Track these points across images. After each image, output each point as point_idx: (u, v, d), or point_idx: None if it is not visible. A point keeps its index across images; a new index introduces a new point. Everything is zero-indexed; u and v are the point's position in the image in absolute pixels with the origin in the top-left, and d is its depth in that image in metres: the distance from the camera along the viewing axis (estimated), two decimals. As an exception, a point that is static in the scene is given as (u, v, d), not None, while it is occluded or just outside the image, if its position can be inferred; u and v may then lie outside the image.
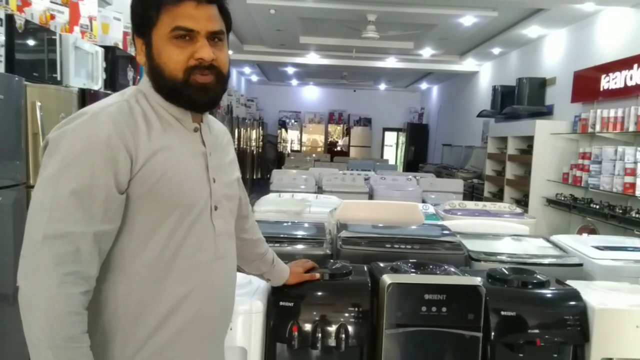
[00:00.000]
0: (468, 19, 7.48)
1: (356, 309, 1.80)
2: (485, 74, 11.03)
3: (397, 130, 17.76)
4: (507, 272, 1.97)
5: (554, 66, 7.66)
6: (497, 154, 8.34)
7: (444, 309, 1.75)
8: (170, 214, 1.21)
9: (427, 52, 10.14)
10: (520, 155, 7.45)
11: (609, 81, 5.89)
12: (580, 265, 2.51)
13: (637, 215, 5.01)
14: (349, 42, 9.23)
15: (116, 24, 4.13)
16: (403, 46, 9.43)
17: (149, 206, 1.19)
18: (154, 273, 1.21)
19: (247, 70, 14.28)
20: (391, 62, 11.39)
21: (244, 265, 1.72)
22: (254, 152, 12.89)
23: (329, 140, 17.40)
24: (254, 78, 15.72)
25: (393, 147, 18.21)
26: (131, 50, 4.54)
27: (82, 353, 1.09)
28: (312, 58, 11.10)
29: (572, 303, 1.81)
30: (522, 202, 7.18)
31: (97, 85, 3.59)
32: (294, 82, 16.48)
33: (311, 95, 17.63)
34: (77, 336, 1.09)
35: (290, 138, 17.27)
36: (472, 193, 9.32)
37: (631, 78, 5.47)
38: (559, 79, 7.41)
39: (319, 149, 16.81)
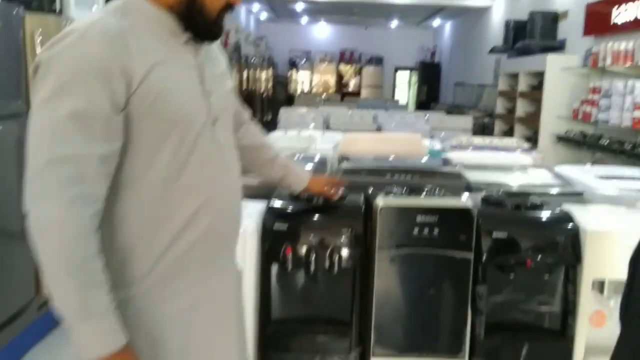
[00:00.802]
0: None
1: (349, 231, 1.82)
2: (499, 8, 10.74)
3: (410, 69, 17.47)
4: (501, 196, 1.97)
5: (567, -1, 7.43)
6: (508, 92, 8.21)
7: (435, 231, 1.77)
8: (173, 129, 1.21)
9: (439, -15, 9.87)
10: (532, 91, 7.33)
11: (620, 13, 5.72)
12: (581, 194, 2.50)
13: (646, 150, 4.95)
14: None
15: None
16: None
17: (150, 123, 1.19)
18: (163, 189, 1.23)
19: (255, 7, 14.01)
20: (402, -4, 11.11)
21: (258, 173, 1.74)
22: (264, 94, 12.75)
23: (342, 81, 17.17)
24: (263, 16, 15.44)
25: (405, 88, 17.98)
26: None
27: (97, 271, 1.12)
28: (322, -8, 10.85)
29: (565, 225, 1.82)
30: (533, 139, 7.10)
31: (99, 16, 3.54)
32: (304, 19, 16.17)
33: (322, 33, 17.30)
34: (90, 256, 1.11)
35: (301, 79, 17.07)
36: (483, 131, 9.24)
37: (644, 9, 5.30)
38: (571, 13, 7.20)
39: (330, 90, 16.65)
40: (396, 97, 16.50)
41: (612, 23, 5.87)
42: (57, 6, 3.18)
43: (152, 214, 1.23)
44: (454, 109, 11.03)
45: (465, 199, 1.87)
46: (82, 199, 1.10)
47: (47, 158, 1.08)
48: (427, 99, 15.11)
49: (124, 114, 1.16)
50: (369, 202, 1.95)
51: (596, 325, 1.85)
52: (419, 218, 1.77)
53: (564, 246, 1.78)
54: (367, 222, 1.90)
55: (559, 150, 6.60)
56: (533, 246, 1.79)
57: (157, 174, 1.22)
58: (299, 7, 13.49)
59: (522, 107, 7.59)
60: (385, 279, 1.86)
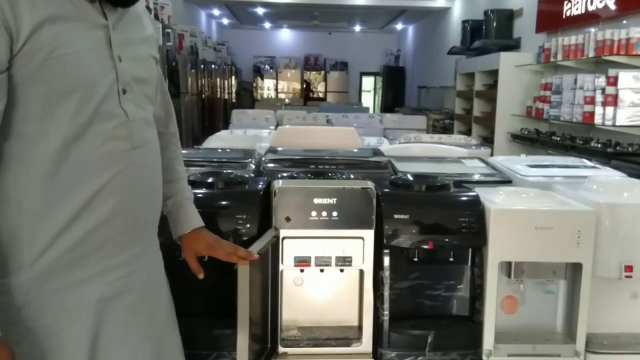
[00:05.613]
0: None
1: (245, 216, 1.70)
2: (457, 9, 10.77)
3: (374, 74, 17.43)
4: (408, 178, 1.87)
5: (521, -3, 7.44)
6: (465, 92, 8.19)
7: (334, 214, 1.65)
8: (68, 97, 1.08)
9: (397, -13, 9.86)
10: (487, 90, 7.31)
11: (570, 8, 5.74)
12: (510, 182, 2.43)
13: (596, 145, 4.91)
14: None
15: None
16: (372, -19, 9.14)
17: (40, 88, 1.06)
18: (59, 164, 1.09)
19: (216, 12, 13.86)
20: (362, -1, 11.08)
21: None
22: (227, 101, 12.52)
23: (310, 87, 17.07)
24: (225, 21, 15.28)
25: (371, 93, 17.95)
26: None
27: None
28: (280, -6, 10.77)
29: (469, 205, 1.70)
30: (489, 139, 7.07)
31: None
32: (267, 25, 16.05)
33: (286, 39, 17.18)
34: None
35: (267, 85, 16.93)
36: (444, 132, 9.23)
37: (591, 2, 5.31)
38: (525, 10, 7.21)
39: (295, 95, 16.55)
40: (363, 102, 16.44)
41: (563, 18, 5.88)
42: None
43: (44, 193, 1.10)
44: (417, 112, 11.00)
45: (364, 181, 1.76)
46: None
47: None
48: (393, 103, 15.10)
49: (7, 75, 1.03)
50: (269, 187, 1.83)
51: (508, 311, 1.76)
52: (317, 200, 1.66)
53: (467, 227, 1.67)
54: (269, 206, 1.78)
55: (514, 149, 6.57)
56: (435, 227, 1.68)
57: (50, 148, 1.08)
58: (260, 11, 13.38)
59: (478, 107, 7.57)
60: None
